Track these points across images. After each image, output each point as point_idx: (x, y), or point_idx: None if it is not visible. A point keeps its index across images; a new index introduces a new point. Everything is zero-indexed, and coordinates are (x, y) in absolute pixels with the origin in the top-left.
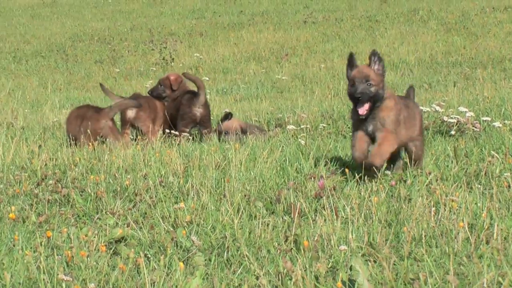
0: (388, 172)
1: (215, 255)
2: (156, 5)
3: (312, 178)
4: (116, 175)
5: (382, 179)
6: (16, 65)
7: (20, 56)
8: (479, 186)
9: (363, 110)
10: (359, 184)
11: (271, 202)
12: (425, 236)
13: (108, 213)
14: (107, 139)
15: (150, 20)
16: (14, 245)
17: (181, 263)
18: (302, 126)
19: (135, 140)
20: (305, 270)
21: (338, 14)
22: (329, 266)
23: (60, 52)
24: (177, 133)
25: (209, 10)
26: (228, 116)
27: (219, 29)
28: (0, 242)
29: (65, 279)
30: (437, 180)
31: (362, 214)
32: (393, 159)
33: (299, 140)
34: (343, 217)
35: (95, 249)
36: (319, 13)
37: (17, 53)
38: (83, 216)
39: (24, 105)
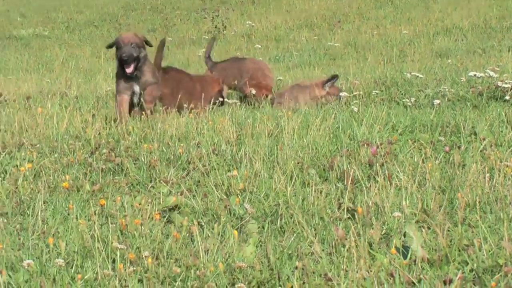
0: (441, 138)
1: (268, 223)
2: None
3: (365, 144)
4: (169, 143)
5: (436, 145)
6: (69, 35)
7: (73, 26)
8: None
9: None
10: (413, 150)
11: (324, 169)
12: (479, 202)
13: (161, 181)
14: None
15: None
16: (68, 214)
17: (235, 231)
18: (355, 93)
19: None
20: (358, 237)
21: None
22: (382, 233)
23: (112, 22)
24: (231, 101)
25: None
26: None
27: None
28: (55, 211)
29: (119, 247)
30: (491, 145)
31: (416, 181)
32: None
33: (352, 107)
34: (396, 183)
35: (148, 218)
36: None
37: (70, 23)
38: (136, 184)
39: (77, 74)
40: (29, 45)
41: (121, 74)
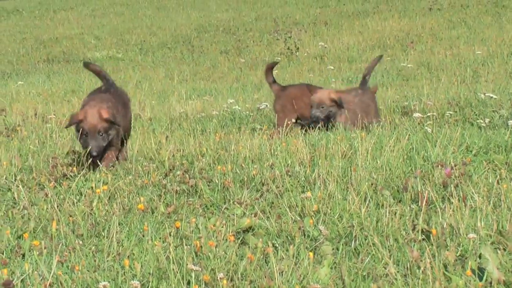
0: None
1: (342, 244)
2: None
3: (440, 166)
4: (243, 165)
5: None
6: (142, 57)
7: (146, 48)
8: None
9: None
10: (487, 171)
11: (398, 191)
12: None
13: (235, 203)
14: None
15: (275, 9)
16: (143, 236)
17: (311, 253)
18: (428, 114)
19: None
20: (433, 259)
21: (464, 0)
22: (457, 255)
23: (186, 43)
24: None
25: None
26: None
27: (343, 18)
28: (130, 233)
29: (194, 269)
30: None
31: (491, 202)
32: None
33: (426, 128)
34: (471, 205)
35: (223, 239)
36: (444, 0)
37: (144, 45)
38: (210, 206)
39: (151, 96)
40: (103, 67)
41: None
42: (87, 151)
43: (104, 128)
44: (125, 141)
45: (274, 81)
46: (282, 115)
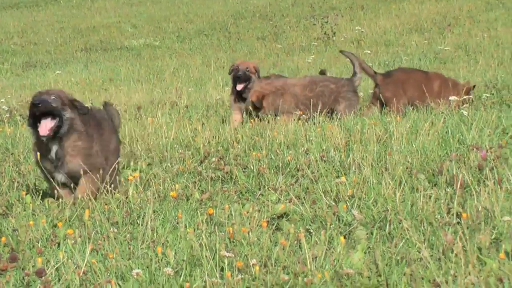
0: None
1: (376, 229)
2: None
3: (475, 149)
4: (278, 151)
5: None
6: (179, 44)
7: (183, 35)
8: None
9: None
10: None
11: (433, 174)
12: None
13: (270, 189)
14: None
15: None
16: (177, 223)
17: (342, 237)
18: (464, 97)
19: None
20: (467, 242)
21: None
22: (492, 238)
23: (222, 30)
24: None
25: None
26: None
27: (380, 2)
28: (165, 220)
29: (227, 255)
30: None
31: None
32: None
33: (462, 111)
34: (507, 188)
35: (256, 225)
36: None
37: (181, 33)
38: (245, 192)
39: (188, 83)
40: (140, 55)
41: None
42: None
43: None
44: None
45: (375, 72)
46: (395, 101)
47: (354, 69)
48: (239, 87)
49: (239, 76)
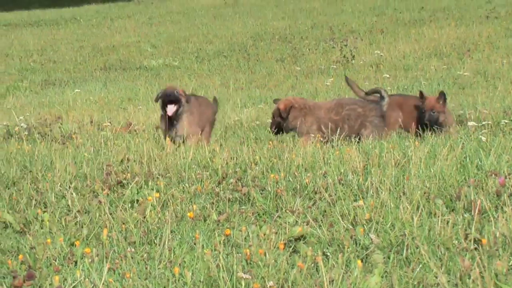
0: None
1: (393, 253)
2: (336, 3)
3: (493, 175)
4: (296, 173)
5: None
6: (199, 65)
7: (202, 56)
8: None
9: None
10: None
11: (451, 200)
12: None
13: (287, 211)
14: None
15: (331, 18)
16: (195, 244)
17: (359, 261)
18: (483, 123)
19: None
20: (485, 268)
21: None
22: (510, 264)
23: (241, 51)
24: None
25: (390, 7)
26: None
27: (399, 26)
28: (182, 240)
29: (245, 277)
30: None
31: None
32: None
33: (480, 136)
34: None
35: (274, 247)
36: (502, 8)
37: (200, 53)
38: (263, 214)
39: None
40: (159, 75)
41: None
42: None
43: None
44: None
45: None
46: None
47: (381, 94)
48: (170, 111)
49: (169, 96)
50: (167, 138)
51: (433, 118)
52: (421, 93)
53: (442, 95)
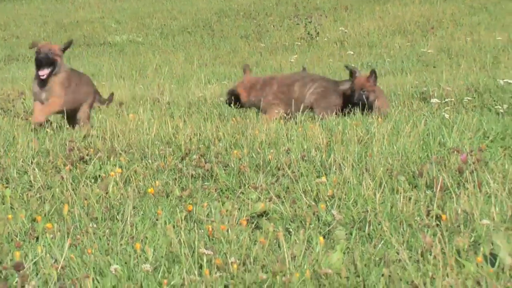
0: None
1: (356, 229)
2: None
3: (456, 152)
4: (259, 149)
5: None
6: (163, 41)
7: (167, 32)
8: None
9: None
10: (504, 158)
11: (413, 176)
12: None
13: (250, 187)
14: None
15: None
16: (157, 219)
17: (321, 237)
18: (446, 100)
19: None
20: (446, 245)
21: None
22: (471, 241)
23: (206, 28)
24: None
25: None
26: None
27: (364, 3)
28: (144, 216)
29: (206, 253)
30: None
31: (506, 188)
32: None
33: (443, 113)
34: (486, 191)
35: (236, 223)
36: None
37: (164, 29)
38: (226, 190)
39: (170, 80)
40: (123, 51)
41: None
42: None
43: None
44: None
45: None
46: None
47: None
48: (43, 72)
49: (41, 60)
50: (36, 102)
51: (363, 97)
52: (351, 72)
53: (373, 73)
